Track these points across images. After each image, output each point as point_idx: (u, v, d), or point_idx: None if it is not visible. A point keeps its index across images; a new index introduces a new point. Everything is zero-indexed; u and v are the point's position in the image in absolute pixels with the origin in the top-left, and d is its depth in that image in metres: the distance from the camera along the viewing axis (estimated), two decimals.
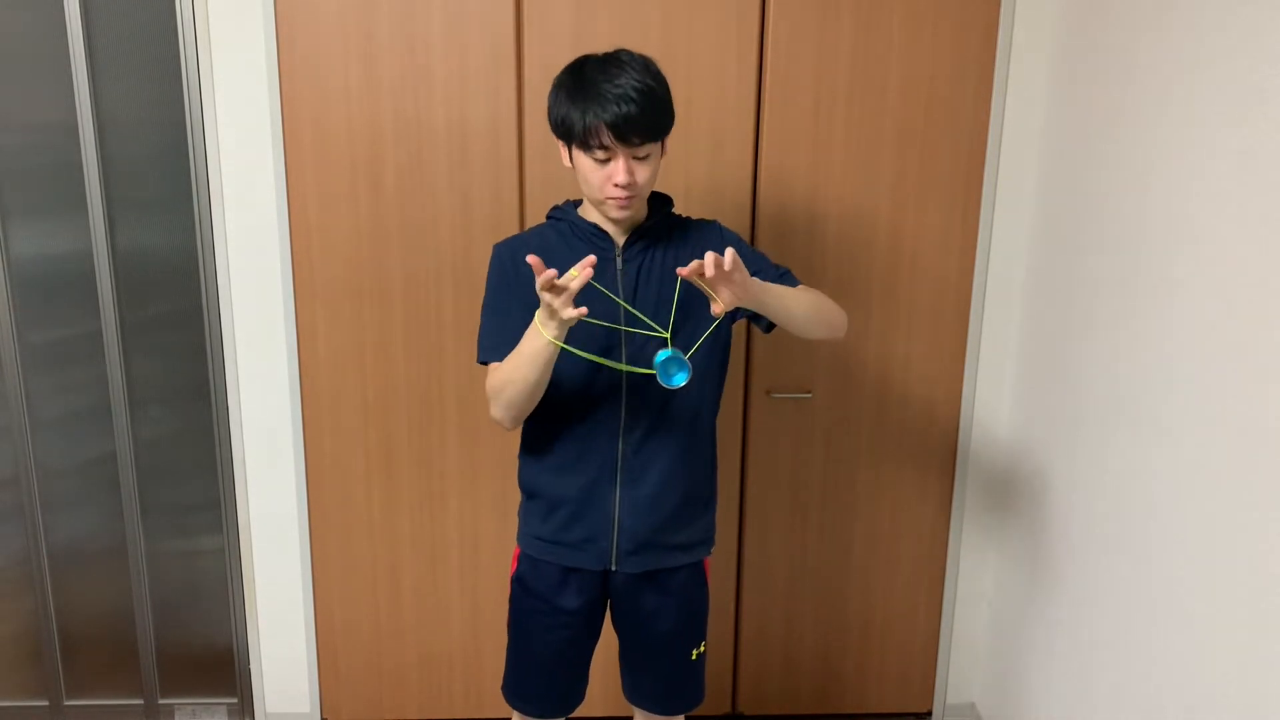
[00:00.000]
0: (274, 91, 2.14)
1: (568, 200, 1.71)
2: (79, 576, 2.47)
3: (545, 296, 1.38)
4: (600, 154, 1.49)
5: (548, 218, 1.71)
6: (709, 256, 1.36)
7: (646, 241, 1.63)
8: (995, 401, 2.40)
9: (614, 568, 1.69)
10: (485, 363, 1.63)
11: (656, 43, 2.12)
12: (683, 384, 1.48)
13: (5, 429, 2.35)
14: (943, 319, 2.34)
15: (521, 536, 1.76)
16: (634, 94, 1.45)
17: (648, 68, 1.51)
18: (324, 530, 2.39)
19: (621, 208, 1.55)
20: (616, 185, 1.51)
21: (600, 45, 2.10)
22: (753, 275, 1.61)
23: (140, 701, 2.56)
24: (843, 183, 2.24)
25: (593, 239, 1.62)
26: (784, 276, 1.69)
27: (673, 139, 1.63)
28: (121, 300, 2.30)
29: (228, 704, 2.57)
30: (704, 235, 1.70)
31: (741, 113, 2.18)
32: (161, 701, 2.56)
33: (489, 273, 1.67)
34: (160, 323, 2.33)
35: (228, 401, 2.32)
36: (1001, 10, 2.16)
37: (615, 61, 1.50)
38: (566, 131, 1.52)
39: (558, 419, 1.64)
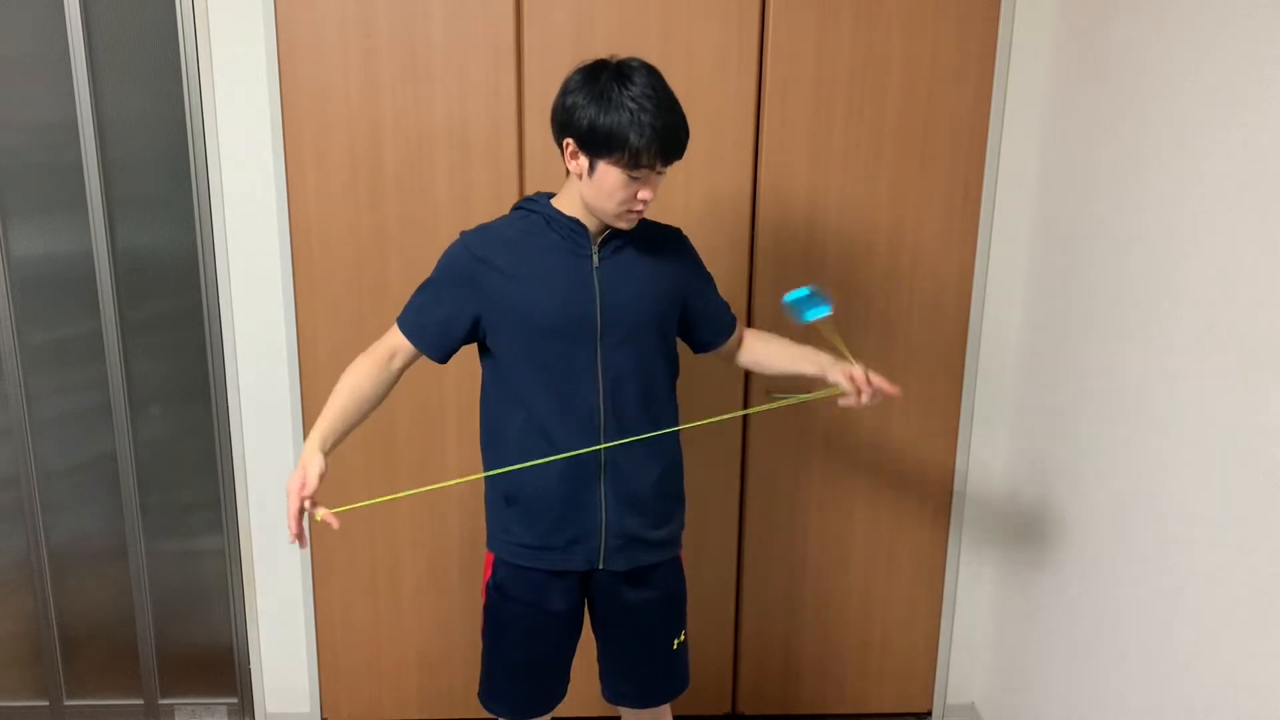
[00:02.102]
0: (274, 91, 2.14)
1: (538, 192, 1.69)
2: (79, 576, 2.47)
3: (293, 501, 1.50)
4: (638, 172, 1.49)
5: (515, 209, 1.67)
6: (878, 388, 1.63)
7: (621, 241, 1.63)
8: (995, 401, 2.40)
9: (601, 566, 1.70)
10: (399, 325, 1.66)
11: (656, 43, 2.13)
12: (822, 316, 1.59)
13: (5, 429, 2.35)
14: (943, 319, 2.34)
15: (499, 544, 1.73)
16: (680, 117, 1.49)
17: (666, 83, 1.51)
18: (324, 530, 2.39)
19: (630, 223, 1.58)
20: (643, 201, 1.53)
21: (600, 45, 2.12)
22: (701, 298, 1.75)
23: (140, 701, 2.56)
24: (843, 183, 2.24)
25: (571, 233, 1.60)
26: (721, 308, 1.80)
27: None
28: (121, 300, 2.30)
29: (228, 704, 2.57)
30: (674, 245, 1.73)
31: (741, 113, 2.18)
32: (161, 701, 2.56)
33: (445, 256, 1.64)
34: (160, 323, 2.33)
35: (228, 401, 2.32)
36: (1001, 10, 2.16)
37: (641, 74, 1.49)
38: (601, 144, 1.48)
39: (537, 418, 1.63)
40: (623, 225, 1.58)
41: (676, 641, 1.82)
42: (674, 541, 1.78)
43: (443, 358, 1.66)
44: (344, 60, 2.13)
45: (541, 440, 1.62)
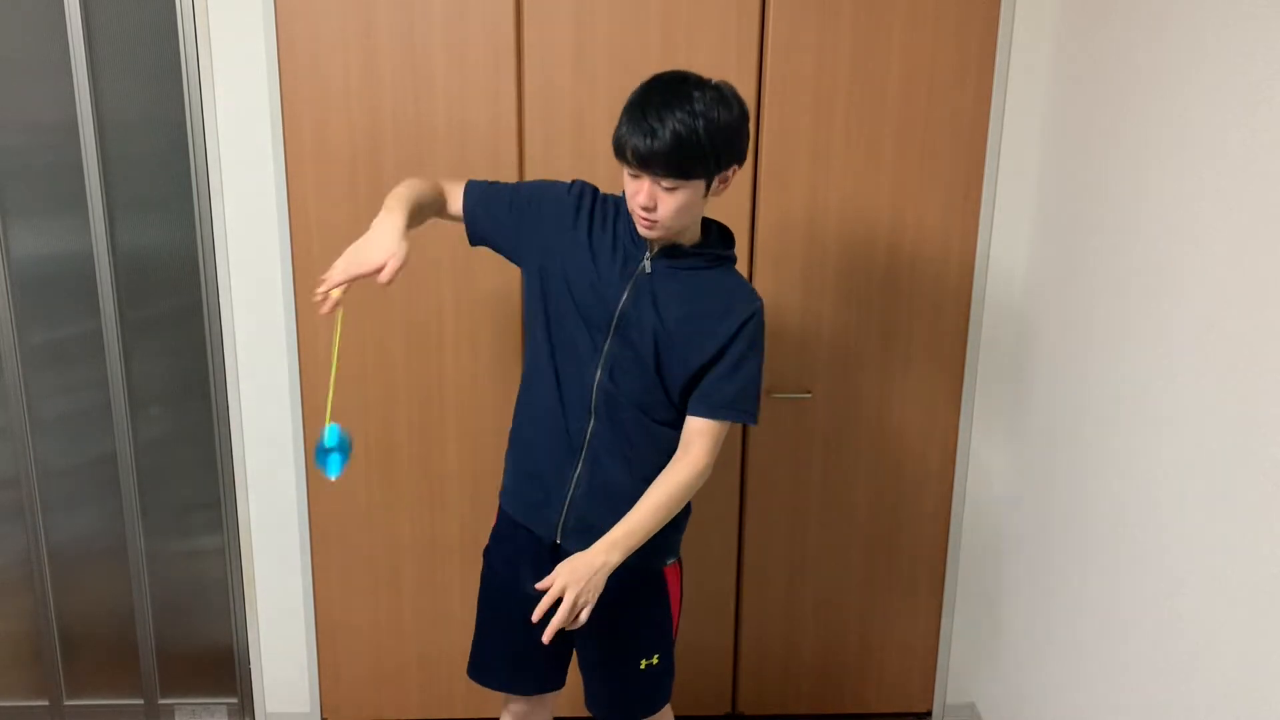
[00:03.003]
0: (274, 91, 2.14)
1: None
2: (79, 576, 2.47)
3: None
4: (630, 169, 1.52)
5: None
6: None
7: (676, 266, 1.63)
8: (995, 401, 2.39)
9: (559, 540, 1.71)
10: (469, 184, 1.72)
11: (656, 43, 2.13)
12: (334, 474, 1.54)
13: (5, 429, 2.35)
14: (943, 319, 2.33)
15: (503, 492, 1.84)
16: (668, 133, 1.45)
17: (707, 114, 1.46)
18: (324, 530, 2.39)
19: (644, 228, 1.57)
20: (641, 207, 1.53)
21: (600, 46, 2.12)
22: (705, 365, 1.63)
23: (140, 701, 2.56)
24: (843, 183, 2.23)
25: (632, 233, 1.62)
26: (714, 390, 1.64)
27: None
28: (121, 300, 2.30)
29: (228, 704, 2.57)
30: (731, 305, 1.63)
31: None
32: (161, 701, 2.56)
33: (553, 184, 1.71)
34: (160, 322, 2.33)
35: (228, 401, 2.32)
36: (1001, 9, 2.16)
37: (681, 91, 1.47)
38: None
39: (539, 387, 1.70)
40: (638, 228, 1.58)
41: (645, 663, 1.77)
42: (651, 554, 1.68)
43: (474, 232, 1.72)
44: (344, 60, 2.13)
45: (533, 408, 1.72)
